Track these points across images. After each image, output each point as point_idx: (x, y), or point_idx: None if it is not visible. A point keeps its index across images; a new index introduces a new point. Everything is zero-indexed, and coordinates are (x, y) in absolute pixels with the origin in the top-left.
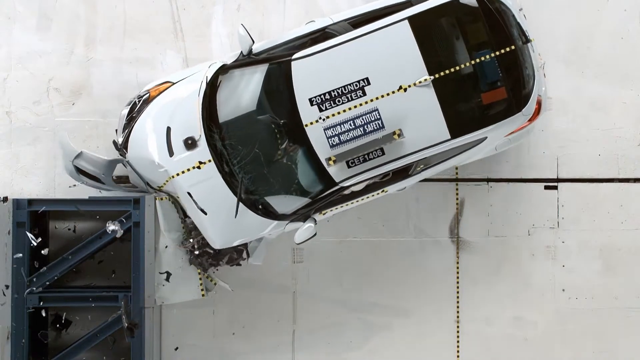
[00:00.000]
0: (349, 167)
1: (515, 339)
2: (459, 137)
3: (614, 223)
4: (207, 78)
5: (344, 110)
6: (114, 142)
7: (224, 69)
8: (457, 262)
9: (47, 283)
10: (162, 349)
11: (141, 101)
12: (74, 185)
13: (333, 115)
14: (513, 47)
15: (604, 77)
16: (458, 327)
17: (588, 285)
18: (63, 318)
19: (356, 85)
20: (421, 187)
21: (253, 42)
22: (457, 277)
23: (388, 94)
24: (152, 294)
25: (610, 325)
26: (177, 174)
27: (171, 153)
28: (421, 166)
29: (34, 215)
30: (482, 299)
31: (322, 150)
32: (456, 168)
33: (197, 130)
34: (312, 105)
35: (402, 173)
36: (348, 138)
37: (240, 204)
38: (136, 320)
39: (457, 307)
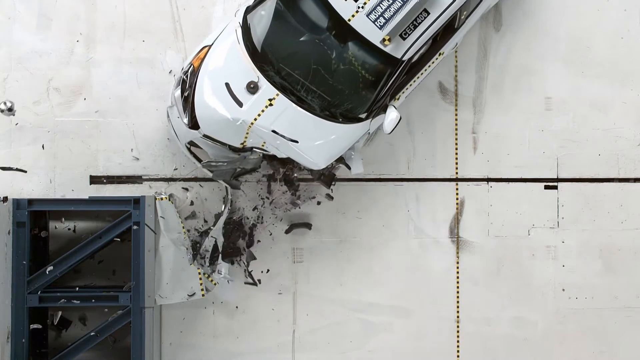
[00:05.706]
0: (403, 39)
1: (515, 339)
2: None
3: (614, 223)
4: (240, 24)
5: None
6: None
7: (249, 11)
8: (457, 262)
9: (47, 283)
10: (162, 348)
11: (188, 75)
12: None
13: None
14: None
15: (604, 77)
16: (458, 327)
17: (588, 285)
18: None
19: None
20: (421, 187)
21: None
22: (457, 277)
23: None
24: (152, 294)
25: (610, 325)
26: (255, 119)
27: (240, 104)
28: (464, 13)
29: (34, 215)
30: (482, 299)
31: (374, 35)
32: (456, 168)
33: (253, 73)
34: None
35: (450, 31)
36: (391, 13)
37: (323, 119)
38: None
39: (457, 307)
